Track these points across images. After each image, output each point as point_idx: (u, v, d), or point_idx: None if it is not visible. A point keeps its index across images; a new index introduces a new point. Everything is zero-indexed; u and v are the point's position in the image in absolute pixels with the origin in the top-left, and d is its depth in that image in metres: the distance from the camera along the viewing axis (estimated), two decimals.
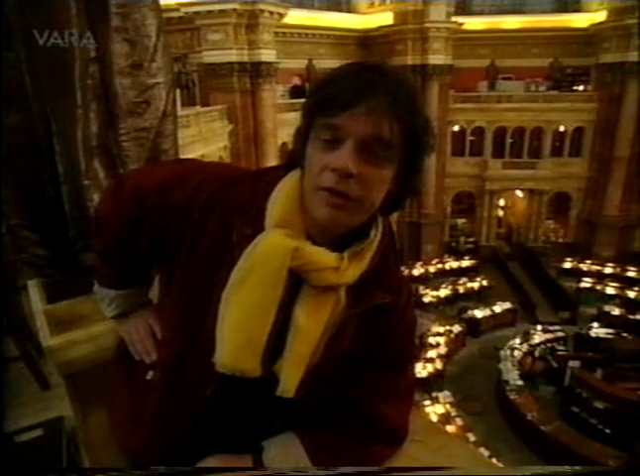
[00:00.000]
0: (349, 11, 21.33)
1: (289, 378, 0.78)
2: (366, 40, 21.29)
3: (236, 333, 0.77)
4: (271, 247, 0.75)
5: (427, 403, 11.40)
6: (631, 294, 16.90)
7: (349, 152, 0.68)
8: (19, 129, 1.31)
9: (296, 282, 0.77)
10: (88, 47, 1.34)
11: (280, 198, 0.77)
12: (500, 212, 23.24)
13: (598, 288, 17.66)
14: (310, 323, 0.77)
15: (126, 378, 0.99)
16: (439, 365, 13.22)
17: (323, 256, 0.75)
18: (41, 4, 1.28)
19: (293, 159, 0.78)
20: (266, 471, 0.83)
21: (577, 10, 21.16)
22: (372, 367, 0.88)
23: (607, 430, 10.47)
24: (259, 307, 0.76)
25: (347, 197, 0.69)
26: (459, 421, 11.02)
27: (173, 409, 0.86)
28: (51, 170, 1.35)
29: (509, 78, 21.98)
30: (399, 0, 19.57)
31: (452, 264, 20.27)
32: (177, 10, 13.94)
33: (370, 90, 0.68)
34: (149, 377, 0.91)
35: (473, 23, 21.04)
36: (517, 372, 12.52)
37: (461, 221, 23.59)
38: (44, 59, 1.29)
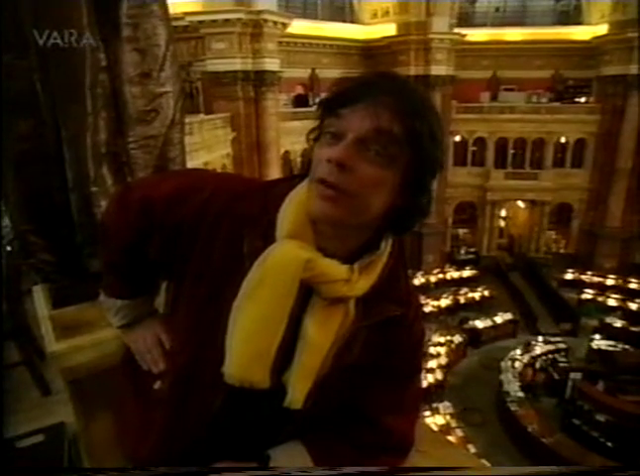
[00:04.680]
0: (352, 21, 21.50)
1: (297, 389, 0.78)
2: (369, 50, 21.43)
3: (245, 345, 0.77)
4: (284, 258, 0.75)
5: (427, 413, 11.31)
6: (633, 306, 16.81)
7: (346, 144, 0.69)
8: (29, 136, 1.33)
9: (306, 293, 0.77)
10: (99, 56, 1.36)
11: (291, 209, 0.77)
12: (502, 223, 23.23)
13: (600, 299, 17.58)
14: (319, 335, 0.77)
15: (133, 387, 0.99)
16: (439, 375, 13.15)
17: (334, 268, 0.75)
18: (53, 12, 1.30)
19: (304, 166, 0.79)
20: (270, 471, 0.83)
21: (578, 23, 21.32)
22: (379, 378, 0.88)
23: (609, 444, 10.37)
24: (269, 319, 0.76)
25: (338, 189, 0.69)
26: (459, 433, 10.93)
27: (182, 419, 0.87)
28: (59, 176, 1.37)
29: (511, 90, 22.09)
30: (403, 0, 19.69)
31: (453, 274, 20.23)
32: (182, 19, 14.05)
33: (373, 88, 0.70)
34: (156, 387, 0.91)
35: (475, 34, 21.20)
36: (518, 383, 12.45)
37: (462, 231, 23.58)
38: (55, 67, 1.31)
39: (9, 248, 2.19)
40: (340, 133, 0.70)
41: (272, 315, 0.76)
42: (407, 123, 0.69)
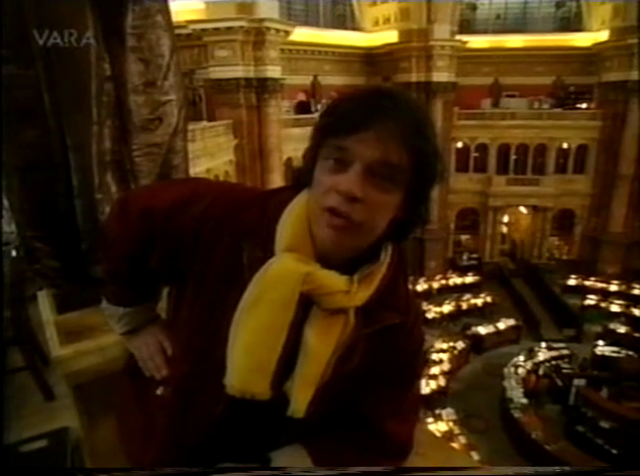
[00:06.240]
0: (354, 29, 21.63)
1: (299, 399, 0.79)
2: (371, 57, 21.54)
3: (246, 357, 0.77)
4: (283, 273, 0.75)
5: (430, 420, 11.26)
6: (636, 311, 16.73)
7: (356, 175, 0.68)
8: (36, 144, 1.35)
9: (306, 304, 0.77)
10: (104, 65, 1.39)
11: (290, 221, 0.78)
12: (504, 229, 23.20)
13: (603, 305, 17.52)
14: (320, 345, 0.77)
15: (136, 393, 1.00)
16: (442, 382, 13.09)
17: (334, 280, 0.75)
18: (60, 23, 1.32)
19: (300, 179, 0.79)
20: (273, 471, 0.84)
21: (579, 29, 21.40)
22: (379, 384, 0.88)
23: (613, 450, 10.29)
24: (269, 331, 0.76)
25: (348, 219, 0.70)
26: (462, 440, 10.86)
27: (185, 426, 0.87)
28: (65, 183, 1.39)
29: (513, 96, 22.14)
30: (404, 0, 19.71)
31: (455, 280, 20.18)
32: (185, 27, 14.15)
33: (379, 115, 0.68)
34: (159, 392, 0.92)
35: (476, 41, 21.29)
36: (521, 390, 12.37)
37: (464, 237, 23.55)
38: (61, 77, 1.33)
39: (14, 253, 2.20)
40: (346, 160, 0.69)
41: (273, 328, 0.76)
42: (414, 147, 0.70)
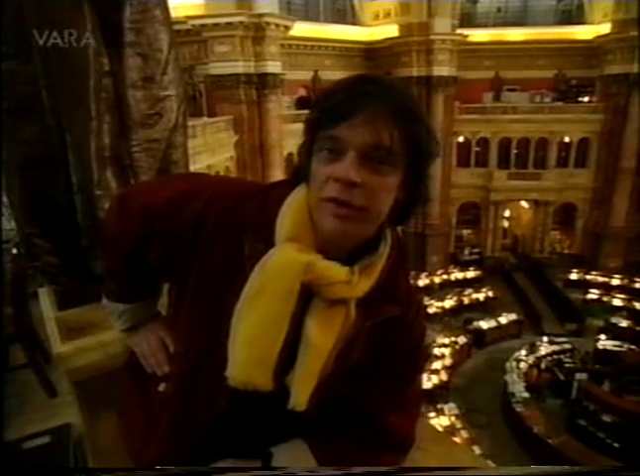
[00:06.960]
0: (354, 23, 21.54)
1: (301, 392, 0.78)
2: (371, 51, 21.47)
3: (248, 349, 0.77)
4: (284, 262, 0.75)
5: (432, 414, 11.29)
6: (638, 305, 16.74)
7: (351, 161, 0.69)
8: (35, 140, 1.35)
9: (307, 295, 0.77)
10: (102, 60, 1.38)
11: (290, 213, 0.78)
12: (506, 223, 23.17)
13: (605, 299, 17.54)
14: (321, 337, 0.77)
15: (138, 389, 1.00)
16: (444, 376, 13.13)
17: (334, 270, 0.75)
18: (54, 12, 1.32)
19: (299, 173, 0.79)
20: (276, 471, 0.84)
21: (580, 22, 21.27)
22: (380, 378, 0.88)
23: (615, 444, 10.29)
24: (271, 323, 0.76)
25: (351, 207, 0.70)
26: (464, 434, 10.91)
27: (188, 421, 0.87)
28: (64, 180, 1.38)
29: (514, 90, 22.06)
30: (404, 1, 19.66)
31: (457, 275, 20.19)
32: (185, 23, 14.10)
33: (365, 100, 0.69)
34: (161, 389, 0.92)
35: (477, 35, 21.18)
36: (523, 384, 12.40)
37: (466, 232, 23.53)
38: (59, 72, 1.33)
39: (14, 251, 2.21)
40: (339, 149, 0.70)
41: (274, 319, 0.76)
42: (405, 129, 0.70)
